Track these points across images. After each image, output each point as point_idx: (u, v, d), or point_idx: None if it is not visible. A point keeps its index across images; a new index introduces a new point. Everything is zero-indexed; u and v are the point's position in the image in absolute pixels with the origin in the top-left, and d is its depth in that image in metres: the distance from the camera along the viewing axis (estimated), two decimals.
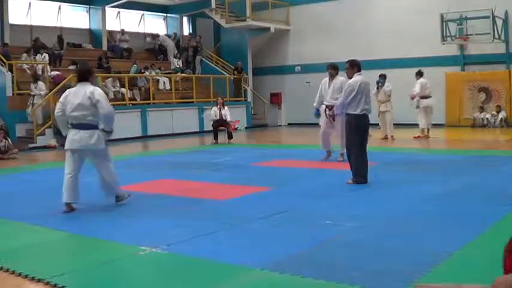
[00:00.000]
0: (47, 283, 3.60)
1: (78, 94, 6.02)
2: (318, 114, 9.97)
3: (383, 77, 14.04)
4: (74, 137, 6.09)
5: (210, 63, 22.33)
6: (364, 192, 6.65)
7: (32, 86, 15.04)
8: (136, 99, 17.83)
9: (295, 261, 3.95)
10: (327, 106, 9.58)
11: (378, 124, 14.41)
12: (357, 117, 7.12)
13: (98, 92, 6.05)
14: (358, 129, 7.15)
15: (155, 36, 22.19)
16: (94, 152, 6.14)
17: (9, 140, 12.54)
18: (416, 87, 13.62)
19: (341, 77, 9.49)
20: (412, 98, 13.70)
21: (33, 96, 14.95)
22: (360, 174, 7.10)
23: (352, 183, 7.09)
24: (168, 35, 22.50)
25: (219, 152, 12.40)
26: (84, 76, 6.17)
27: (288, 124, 22.48)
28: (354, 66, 7.40)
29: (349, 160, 7.28)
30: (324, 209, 5.74)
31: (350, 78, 7.34)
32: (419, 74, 13.87)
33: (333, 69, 9.76)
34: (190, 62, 21.90)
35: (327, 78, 9.79)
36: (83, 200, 6.69)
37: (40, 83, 15.12)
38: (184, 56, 21.88)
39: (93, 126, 6.05)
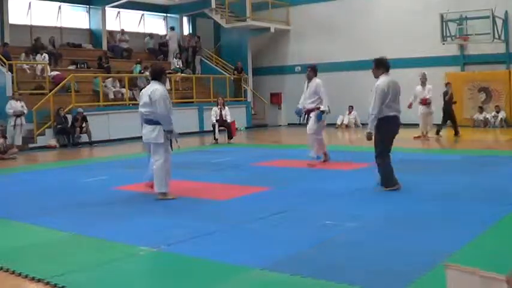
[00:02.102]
0: (47, 283, 3.61)
1: (145, 93, 6.62)
2: (299, 114, 9.87)
3: None
4: (142, 131, 6.71)
5: (210, 63, 22.33)
6: (364, 192, 6.65)
7: (18, 104, 14.13)
8: (136, 99, 17.81)
9: (295, 261, 3.95)
10: (307, 109, 9.32)
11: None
12: (387, 119, 6.44)
13: (159, 92, 6.47)
14: (388, 131, 6.53)
15: (171, 29, 22.22)
16: (154, 145, 6.59)
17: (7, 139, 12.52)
18: (428, 93, 13.67)
19: (317, 79, 9.17)
20: (424, 103, 13.72)
21: (18, 116, 13.99)
22: (392, 181, 6.54)
23: (389, 190, 6.50)
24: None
25: (219, 152, 12.40)
26: (155, 75, 6.73)
27: (288, 124, 22.48)
28: (380, 66, 6.65)
29: (378, 167, 6.67)
30: (324, 209, 5.74)
31: (376, 78, 6.65)
32: (426, 79, 13.90)
33: (312, 71, 9.25)
34: (190, 62, 21.91)
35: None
36: (83, 200, 6.70)
37: (22, 102, 14.27)
38: (184, 56, 21.89)
39: (157, 122, 6.49)
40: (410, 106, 13.74)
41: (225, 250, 4.28)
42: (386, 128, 6.51)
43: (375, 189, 6.65)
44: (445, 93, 14.57)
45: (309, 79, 9.27)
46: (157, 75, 6.71)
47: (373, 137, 6.56)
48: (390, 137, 6.61)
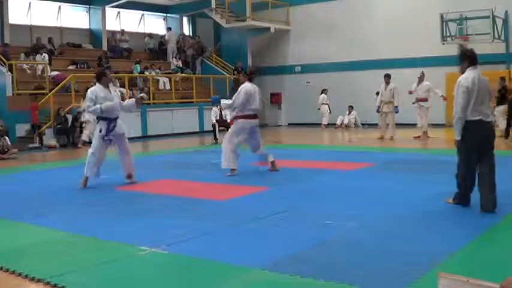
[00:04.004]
0: (47, 283, 3.61)
1: None
2: (215, 101, 10.09)
3: (387, 77, 14.11)
4: None
5: (210, 63, 22.34)
6: (364, 192, 6.64)
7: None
8: None
9: (295, 261, 3.94)
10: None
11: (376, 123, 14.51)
12: (468, 124, 5.27)
13: (87, 92, 7.72)
14: (470, 140, 5.29)
15: (168, 29, 22.29)
16: None
17: (6, 139, 12.51)
18: (425, 91, 13.82)
19: (244, 85, 8.38)
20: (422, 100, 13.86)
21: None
22: (461, 192, 5.53)
23: (453, 203, 5.60)
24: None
25: (219, 152, 12.36)
26: (96, 78, 7.84)
27: (288, 124, 22.48)
28: (465, 59, 5.44)
29: (456, 179, 5.62)
30: (324, 209, 5.74)
31: (462, 73, 5.46)
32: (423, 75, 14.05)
33: (244, 75, 8.75)
34: (189, 62, 21.95)
35: None
36: (83, 200, 6.71)
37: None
38: (184, 56, 21.91)
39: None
40: (411, 92, 13.93)
41: (225, 250, 4.28)
42: (469, 135, 5.27)
43: (446, 201, 5.71)
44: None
45: (241, 84, 8.58)
46: (98, 78, 7.71)
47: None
48: (473, 146, 5.31)
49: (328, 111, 19.80)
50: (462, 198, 5.56)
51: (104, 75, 7.71)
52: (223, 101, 9.00)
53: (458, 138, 5.32)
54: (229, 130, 8.70)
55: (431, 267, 3.63)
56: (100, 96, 7.48)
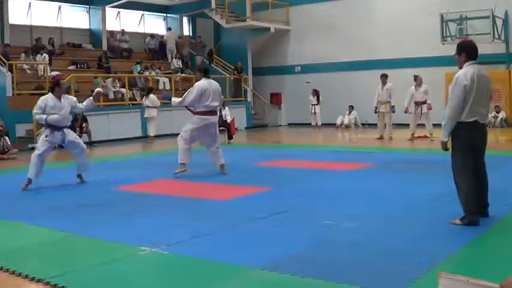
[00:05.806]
0: (47, 283, 3.61)
1: None
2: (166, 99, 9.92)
3: (384, 77, 14.09)
4: None
5: (210, 63, 22.33)
6: (364, 192, 6.64)
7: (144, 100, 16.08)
8: (136, 99, 17.83)
9: (295, 261, 3.94)
10: None
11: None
12: (463, 126, 4.76)
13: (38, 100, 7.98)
14: (465, 143, 4.81)
15: (168, 30, 22.38)
16: None
17: (6, 139, 12.50)
18: (425, 94, 13.78)
19: (199, 82, 8.37)
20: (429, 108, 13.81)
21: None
22: (470, 211, 4.74)
23: (462, 224, 4.74)
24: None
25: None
26: (50, 87, 8.12)
27: (288, 124, 22.48)
28: (461, 52, 4.86)
29: (457, 190, 4.98)
30: (324, 209, 5.74)
31: (460, 69, 4.91)
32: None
33: (199, 71, 8.96)
34: (187, 61, 21.98)
35: None
36: (83, 200, 6.71)
37: (151, 96, 15.95)
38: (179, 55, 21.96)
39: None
40: (406, 110, 13.84)
41: (225, 250, 4.28)
42: (464, 137, 4.78)
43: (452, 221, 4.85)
44: None
45: (197, 81, 8.61)
46: (51, 88, 7.93)
47: (449, 147, 4.85)
48: (469, 150, 4.82)
49: (312, 111, 19.69)
50: (471, 216, 4.75)
51: (58, 86, 7.91)
52: (174, 99, 8.92)
53: (446, 139, 4.83)
54: (184, 126, 8.67)
55: (431, 267, 3.63)
56: (49, 105, 7.74)
